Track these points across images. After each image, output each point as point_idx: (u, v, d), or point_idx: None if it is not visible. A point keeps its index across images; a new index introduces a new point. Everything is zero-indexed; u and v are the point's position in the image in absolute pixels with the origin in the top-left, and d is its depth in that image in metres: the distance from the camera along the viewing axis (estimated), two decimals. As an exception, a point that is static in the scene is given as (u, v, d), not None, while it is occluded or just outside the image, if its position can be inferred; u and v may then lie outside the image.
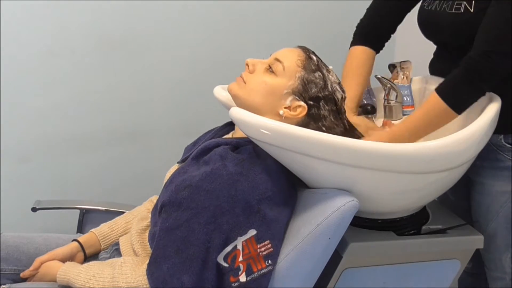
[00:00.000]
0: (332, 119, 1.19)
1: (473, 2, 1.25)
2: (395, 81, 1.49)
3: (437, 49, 1.47)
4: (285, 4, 2.19)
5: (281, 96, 1.17)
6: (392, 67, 1.53)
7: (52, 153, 2.11)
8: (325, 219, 1.08)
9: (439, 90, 1.19)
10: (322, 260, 1.14)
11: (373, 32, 1.47)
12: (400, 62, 1.51)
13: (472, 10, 1.25)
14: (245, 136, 1.15)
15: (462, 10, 1.27)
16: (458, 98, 1.19)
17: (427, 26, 1.41)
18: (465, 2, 1.26)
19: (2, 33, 1.94)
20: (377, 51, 1.49)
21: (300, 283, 1.13)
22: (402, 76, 1.50)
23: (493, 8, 1.17)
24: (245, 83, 1.19)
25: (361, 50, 1.46)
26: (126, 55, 2.09)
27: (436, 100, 1.19)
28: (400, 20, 1.48)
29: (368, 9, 1.50)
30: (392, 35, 1.51)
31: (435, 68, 1.48)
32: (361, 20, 1.50)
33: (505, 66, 1.18)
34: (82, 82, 2.07)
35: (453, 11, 1.29)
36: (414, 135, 1.22)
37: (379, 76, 1.46)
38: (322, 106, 1.18)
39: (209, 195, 1.07)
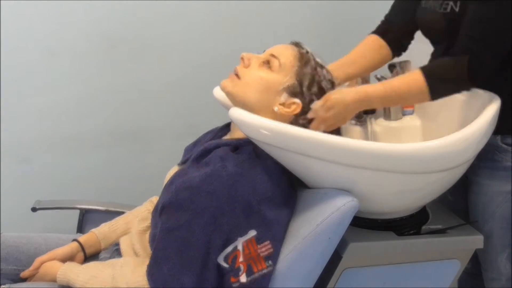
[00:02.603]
0: None
1: (458, 2, 1.26)
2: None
3: (434, 49, 1.47)
4: (286, 5, 2.19)
5: (276, 93, 1.17)
6: (392, 67, 1.53)
7: (52, 153, 2.11)
8: (325, 219, 1.08)
9: (426, 72, 1.19)
10: (322, 260, 1.14)
11: (389, 27, 1.48)
12: (400, 62, 1.51)
13: (457, 10, 1.26)
14: (244, 136, 1.15)
15: (448, 10, 1.29)
16: (441, 89, 1.20)
17: (422, 24, 1.42)
18: (451, 2, 1.28)
19: (2, 33, 1.94)
20: (393, 49, 1.48)
21: (300, 283, 1.13)
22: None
23: (476, 8, 1.19)
24: (239, 78, 1.18)
25: (373, 38, 1.48)
26: (126, 55, 2.09)
27: (418, 79, 1.18)
28: (412, 22, 1.46)
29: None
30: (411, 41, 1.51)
31: None
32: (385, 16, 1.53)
33: (491, 67, 1.19)
34: (82, 82, 2.07)
35: (441, 10, 1.31)
36: (381, 104, 1.27)
37: (379, 76, 1.46)
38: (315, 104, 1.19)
39: (209, 196, 1.07)
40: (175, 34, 2.12)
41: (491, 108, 1.22)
